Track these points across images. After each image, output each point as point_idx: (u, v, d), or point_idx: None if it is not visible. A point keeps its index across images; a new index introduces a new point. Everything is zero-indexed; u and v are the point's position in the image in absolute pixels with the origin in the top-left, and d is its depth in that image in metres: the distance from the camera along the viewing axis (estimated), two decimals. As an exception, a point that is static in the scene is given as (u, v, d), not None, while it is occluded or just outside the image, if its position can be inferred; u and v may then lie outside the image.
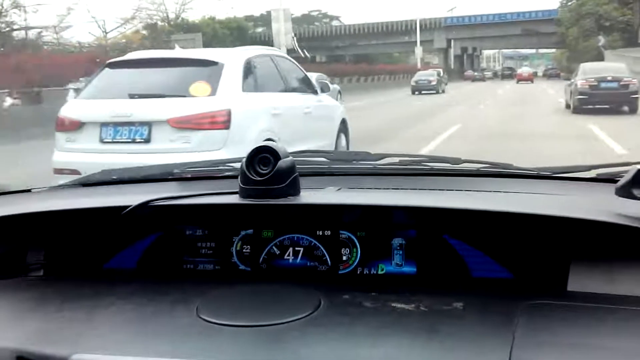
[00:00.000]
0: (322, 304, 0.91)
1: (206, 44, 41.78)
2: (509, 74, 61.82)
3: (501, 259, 1.03)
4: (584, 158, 6.81)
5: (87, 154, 4.48)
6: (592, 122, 11.67)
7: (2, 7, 27.79)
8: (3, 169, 7.02)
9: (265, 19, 65.20)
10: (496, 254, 1.04)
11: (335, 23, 66.24)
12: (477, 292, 0.97)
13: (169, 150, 4.29)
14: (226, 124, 4.42)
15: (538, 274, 1.01)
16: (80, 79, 14.32)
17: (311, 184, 1.18)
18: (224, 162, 1.52)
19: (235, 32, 50.45)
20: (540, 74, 69.67)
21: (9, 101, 13.98)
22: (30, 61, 17.54)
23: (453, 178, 1.36)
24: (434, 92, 29.24)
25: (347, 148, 6.45)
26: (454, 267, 1.05)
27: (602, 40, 41.03)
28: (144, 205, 1.08)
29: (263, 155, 1.05)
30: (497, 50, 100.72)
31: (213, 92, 4.51)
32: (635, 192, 0.97)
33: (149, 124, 4.41)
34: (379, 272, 1.07)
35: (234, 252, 1.12)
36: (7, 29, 28.62)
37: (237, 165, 1.26)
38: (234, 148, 4.29)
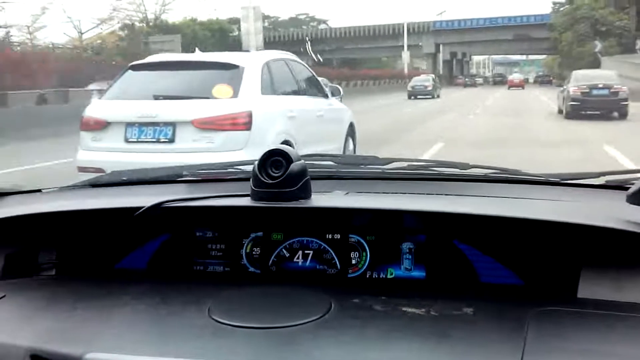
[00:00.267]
0: (333, 306, 0.95)
1: (186, 46, 42.11)
2: (500, 80, 65.21)
3: (511, 265, 1.08)
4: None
5: (112, 153, 4.88)
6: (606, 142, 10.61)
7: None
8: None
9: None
10: (506, 259, 1.08)
11: (322, 27, 67.14)
12: (486, 298, 1.01)
13: (193, 149, 4.71)
14: (247, 125, 4.86)
15: (548, 280, 1.05)
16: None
17: (320, 187, 1.22)
18: (233, 164, 1.59)
19: (217, 34, 50.93)
20: (531, 80, 71.92)
21: None
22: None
23: (461, 183, 1.41)
24: (430, 97, 31.61)
25: (354, 151, 6.95)
26: (463, 272, 1.09)
27: (598, 45, 40.82)
28: (157, 207, 1.14)
29: (275, 159, 1.11)
30: (487, 56, 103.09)
31: (235, 95, 4.95)
32: None
33: (173, 125, 4.84)
34: (388, 276, 1.12)
35: (243, 255, 1.17)
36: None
37: (246, 167, 1.38)
38: (254, 148, 4.73)
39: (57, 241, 1.25)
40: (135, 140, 4.91)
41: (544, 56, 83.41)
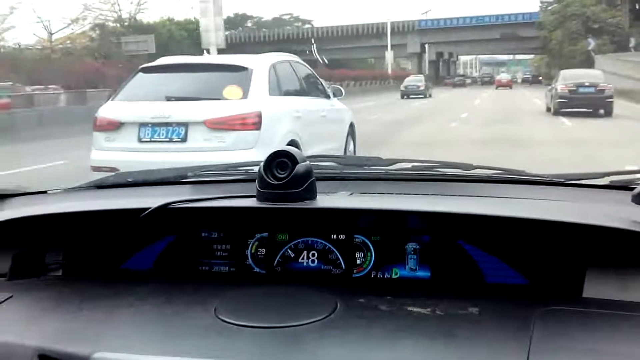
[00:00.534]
0: (339, 306, 1.00)
1: (161, 47, 42.36)
2: (488, 80, 68.38)
3: (516, 265, 1.13)
4: None
5: (125, 153, 5.30)
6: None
7: None
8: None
9: (232, 22, 66.57)
10: (511, 259, 1.13)
11: (305, 26, 67.89)
12: (492, 298, 1.06)
13: (205, 149, 5.16)
14: (257, 125, 5.31)
15: (553, 280, 1.10)
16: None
17: (324, 188, 1.28)
18: (238, 165, 1.68)
19: (194, 34, 51.19)
20: (519, 80, 74.07)
21: None
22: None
23: (465, 184, 1.47)
24: (422, 96, 34.53)
25: (354, 150, 7.47)
26: (468, 273, 1.14)
27: (592, 43, 40.68)
28: (163, 208, 1.19)
29: (281, 160, 1.16)
30: (474, 57, 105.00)
31: (245, 96, 5.41)
32: None
33: (185, 125, 5.28)
34: (393, 277, 1.17)
35: (248, 255, 1.23)
36: None
37: (251, 168, 1.46)
38: (263, 148, 5.18)
39: (64, 242, 1.31)
40: (148, 140, 5.34)
41: (531, 56, 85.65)
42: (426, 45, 66.71)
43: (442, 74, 73.04)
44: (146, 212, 1.19)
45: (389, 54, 55.71)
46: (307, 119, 6.08)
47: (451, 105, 25.82)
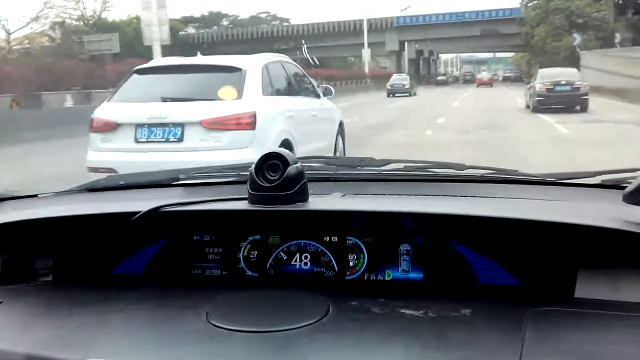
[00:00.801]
0: (331, 309, 1.03)
1: (127, 46, 42.32)
2: (469, 79, 73.30)
3: (508, 266, 1.17)
4: None
5: (122, 153, 5.66)
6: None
7: None
8: None
9: (206, 20, 66.92)
10: (503, 260, 1.17)
11: (284, 25, 68.33)
12: (484, 299, 1.09)
13: (201, 148, 5.54)
14: (252, 125, 5.70)
15: (546, 280, 1.14)
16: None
17: (317, 189, 1.32)
18: (230, 168, 1.73)
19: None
20: (500, 78, 76.98)
21: None
22: None
23: (458, 184, 1.53)
24: (407, 94, 37.66)
25: (344, 149, 7.93)
26: (460, 274, 1.18)
27: (577, 38, 40.48)
28: (154, 211, 1.22)
29: (272, 162, 1.20)
30: (455, 55, 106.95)
31: (239, 96, 5.80)
32: None
33: (182, 125, 5.65)
34: (386, 278, 1.21)
35: (241, 258, 1.27)
36: None
37: (243, 171, 1.51)
38: (258, 146, 5.58)
39: (54, 247, 1.35)
40: (145, 140, 5.70)
41: (511, 54, 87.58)
42: (405, 43, 67.50)
43: (423, 72, 74.36)
44: (136, 215, 1.23)
45: (366, 52, 56.12)
46: (299, 118, 6.50)
47: (434, 104, 26.33)
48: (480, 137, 12.13)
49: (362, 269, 1.23)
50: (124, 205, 1.35)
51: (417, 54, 73.55)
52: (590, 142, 10.95)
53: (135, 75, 6.17)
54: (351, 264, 1.24)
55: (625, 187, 1.17)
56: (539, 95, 18.95)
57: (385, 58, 72.17)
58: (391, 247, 1.23)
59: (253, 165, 1.22)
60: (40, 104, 19.58)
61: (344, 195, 1.37)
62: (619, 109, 19.35)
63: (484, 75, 67.95)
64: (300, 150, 6.01)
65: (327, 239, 1.25)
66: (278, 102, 6.29)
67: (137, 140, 5.71)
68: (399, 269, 1.22)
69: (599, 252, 1.11)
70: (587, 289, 1.09)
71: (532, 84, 20.45)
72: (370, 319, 1.04)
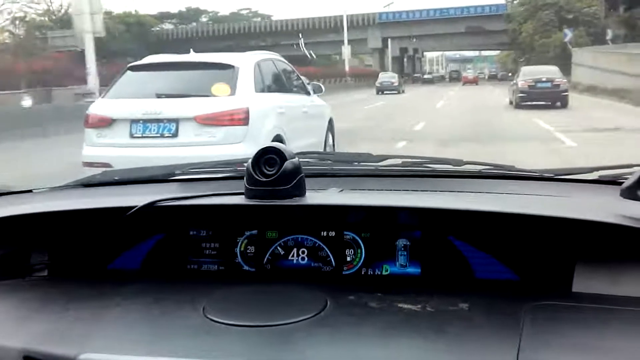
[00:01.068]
0: (329, 304, 1.09)
1: (96, 41, 41.93)
2: (456, 77, 76.45)
3: (506, 261, 1.22)
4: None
5: (117, 148, 6.05)
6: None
7: None
8: None
9: (183, 16, 67.13)
10: (501, 255, 1.23)
11: (256, 20, 68.74)
12: (482, 293, 1.15)
13: (195, 143, 5.96)
14: (245, 121, 6.13)
15: (543, 275, 1.19)
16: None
17: (314, 185, 1.36)
18: (226, 163, 1.79)
19: (133, 28, 51.34)
20: (486, 77, 79.87)
21: None
22: None
23: (456, 179, 1.58)
24: (396, 92, 40.31)
25: (333, 145, 8.44)
26: (458, 269, 1.24)
27: (568, 34, 40.37)
28: (150, 206, 1.26)
29: (269, 156, 1.24)
30: (440, 54, 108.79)
31: (232, 92, 6.23)
32: None
33: (176, 121, 6.06)
34: (383, 273, 1.26)
35: (238, 253, 1.31)
36: None
37: (240, 166, 1.57)
38: (251, 141, 6.01)
39: (49, 242, 1.40)
40: (140, 135, 6.10)
41: (497, 52, 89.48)
42: (389, 40, 68.06)
43: (407, 70, 75.34)
44: (132, 210, 1.28)
45: (346, 49, 56.29)
46: (290, 114, 6.95)
47: (417, 104, 26.31)
48: (463, 151, 9.99)
49: (360, 264, 1.28)
50: (119, 200, 1.41)
51: (401, 51, 74.16)
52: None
53: (129, 72, 6.58)
54: (348, 258, 1.29)
55: (623, 182, 1.23)
56: (521, 92, 20.77)
57: (369, 56, 72.77)
58: (389, 242, 1.28)
59: (250, 160, 1.27)
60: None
61: (341, 190, 1.42)
62: (621, 111, 18.82)
63: (469, 73, 71.56)
64: (292, 146, 6.41)
65: (325, 233, 1.30)
66: (270, 99, 6.74)
67: (132, 136, 6.11)
68: (397, 263, 1.27)
69: (596, 247, 1.16)
70: (584, 283, 1.14)
71: (515, 82, 22.24)
72: (368, 313, 1.09)
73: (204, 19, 70.04)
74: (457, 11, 64.55)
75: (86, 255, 1.39)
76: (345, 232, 1.29)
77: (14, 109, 17.33)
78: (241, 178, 1.30)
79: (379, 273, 1.27)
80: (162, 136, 6.09)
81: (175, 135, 6.07)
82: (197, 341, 1.00)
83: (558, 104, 20.36)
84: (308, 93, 7.98)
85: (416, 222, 1.28)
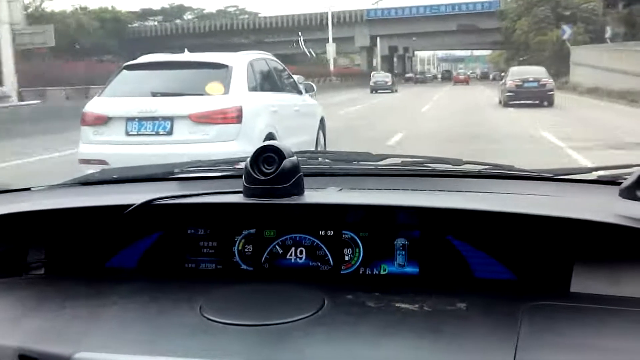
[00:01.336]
0: (326, 303, 1.14)
1: (68, 38, 42.28)
2: (447, 77, 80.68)
3: (505, 260, 1.29)
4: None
5: (113, 146, 6.51)
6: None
7: None
8: None
9: (167, 12, 67.49)
10: (500, 255, 1.30)
11: (242, 17, 69.12)
12: (480, 293, 1.21)
13: (190, 141, 6.43)
14: (238, 119, 6.61)
15: (541, 275, 1.26)
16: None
17: (313, 184, 1.43)
18: (224, 161, 1.85)
19: (109, 24, 51.56)
20: (478, 76, 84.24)
21: None
22: None
23: (455, 179, 1.65)
24: (389, 91, 43.57)
25: (325, 144, 8.99)
26: (456, 268, 1.30)
27: (567, 31, 39.90)
28: (147, 204, 1.33)
29: (268, 155, 1.31)
30: (432, 53, 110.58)
31: (226, 91, 6.71)
32: (639, 193, 1.21)
33: (171, 119, 6.52)
34: (382, 273, 1.33)
35: (235, 252, 1.38)
36: None
37: (238, 165, 1.65)
38: (244, 139, 6.50)
39: (46, 240, 1.46)
40: (135, 133, 6.57)
41: (489, 52, 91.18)
42: (378, 39, 68.47)
43: (398, 70, 76.06)
44: (130, 208, 1.33)
45: (331, 47, 56.57)
46: (283, 113, 7.46)
47: (400, 109, 25.90)
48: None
49: (358, 263, 1.34)
50: (117, 198, 1.46)
51: (390, 50, 74.73)
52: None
53: (124, 71, 7.07)
54: (347, 258, 1.34)
55: (621, 182, 1.28)
56: (509, 91, 23.04)
57: (357, 54, 73.11)
58: (387, 241, 1.34)
59: (249, 159, 1.32)
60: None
61: (340, 190, 1.48)
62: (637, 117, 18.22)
63: (460, 73, 76.43)
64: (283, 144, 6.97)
65: (323, 233, 1.36)
66: (263, 98, 7.23)
67: (127, 133, 6.57)
68: (395, 263, 1.33)
69: (594, 247, 1.21)
70: (582, 283, 1.19)
71: (503, 81, 24.74)
72: (366, 312, 1.14)
73: (189, 16, 70.63)
74: (448, 8, 65.09)
75: (83, 253, 1.45)
76: (344, 232, 1.35)
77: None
78: (240, 177, 1.36)
79: (377, 272, 1.33)
80: (157, 134, 6.56)
81: (170, 133, 6.53)
82: (194, 340, 1.04)
83: (545, 103, 22.58)
84: (300, 92, 8.52)
85: (415, 221, 1.34)
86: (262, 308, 1.17)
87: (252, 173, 1.31)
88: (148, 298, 1.24)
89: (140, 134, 6.59)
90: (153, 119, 6.57)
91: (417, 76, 79.91)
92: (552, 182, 1.62)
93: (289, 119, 7.65)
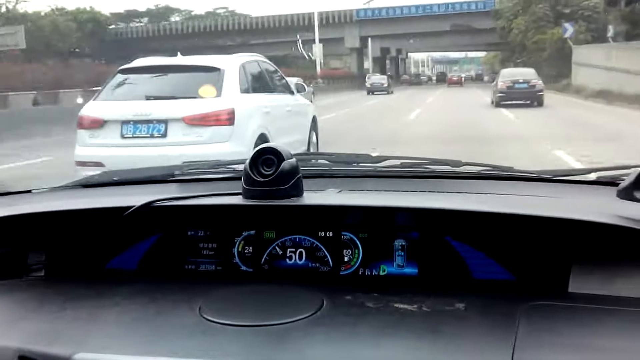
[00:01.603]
0: (325, 304, 1.19)
1: (41, 40, 42.22)
2: (442, 78, 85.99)
3: (503, 261, 1.35)
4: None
5: (109, 148, 7.05)
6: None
7: None
8: None
9: (152, 14, 67.96)
10: (498, 256, 1.36)
11: (232, 17, 69.54)
12: (478, 294, 1.27)
13: (184, 142, 6.97)
14: (231, 121, 7.16)
15: (539, 275, 1.32)
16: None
17: (312, 185, 1.51)
18: (224, 163, 1.95)
19: (87, 26, 51.77)
20: (473, 78, 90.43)
21: None
22: None
23: (454, 180, 1.74)
24: (385, 92, 46.95)
25: (317, 143, 9.68)
26: (455, 269, 1.37)
27: (569, 29, 39.16)
28: (147, 206, 1.41)
29: (267, 157, 1.37)
30: (427, 55, 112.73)
31: (218, 94, 7.27)
32: (637, 194, 1.28)
33: (165, 122, 7.07)
34: (381, 273, 1.40)
35: (235, 253, 1.46)
36: None
37: (238, 166, 1.73)
38: (237, 141, 7.06)
39: (47, 242, 1.53)
40: (130, 136, 7.11)
41: (484, 54, 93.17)
42: (369, 40, 68.72)
43: (390, 72, 76.67)
44: (129, 210, 1.39)
45: (317, 48, 56.56)
46: (275, 114, 8.05)
47: (385, 115, 24.94)
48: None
49: (357, 264, 1.41)
50: (117, 200, 1.53)
51: (382, 52, 75.07)
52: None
53: (119, 74, 7.65)
54: (346, 259, 1.41)
55: (619, 183, 1.34)
56: (500, 92, 25.20)
57: (348, 56, 73.13)
58: (386, 242, 1.40)
59: (248, 160, 1.38)
60: None
61: (340, 191, 1.55)
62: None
63: (454, 75, 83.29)
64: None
65: (322, 234, 1.42)
66: (255, 99, 7.81)
67: (123, 136, 7.12)
68: (394, 264, 1.39)
69: (592, 247, 1.26)
70: (580, 283, 1.24)
71: (495, 82, 27.03)
72: (364, 313, 1.18)
73: (176, 18, 71.25)
74: (441, 8, 65.33)
75: (84, 255, 1.52)
76: (343, 233, 1.42)
77: None
78: (239, 179, 1.43)
79: (377, 273, 1.40)
80: (151, 136, 7.10)
81: (164, 135, 7.08)
82: (193, 341, 1.09)
83: (535, 103, 24.60)
84: (292, 92, 9.19)
85: (414, 222, 1.41)
86: (261, 309, 1.23)
87: (252, 175, 1.38)
88: (148, 299, 1.30)
89: (135, 137, 7.13)
90: (148, 121, 7.11)
91: (412, 78, 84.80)
92: (550, 183, 1.70)
93: (281, 119, 8.25)
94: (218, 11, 73.70)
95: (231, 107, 7.22)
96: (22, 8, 48.32)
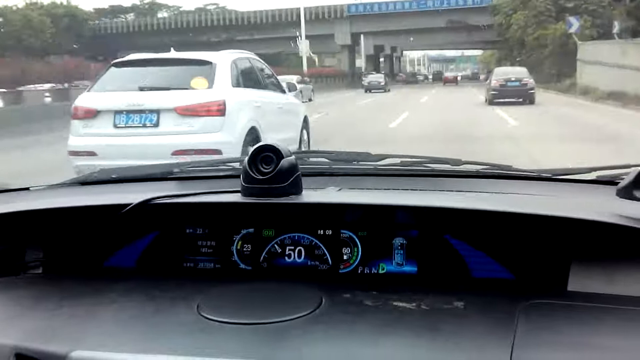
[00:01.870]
0: (324, 302, 1.24)
1: (11, 35, 41.89)
2: (438, 77, 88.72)
3: (502, 260, 1.41)
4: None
5: (102, 137, 7.60)
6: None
7: None
8: None
9: (138, 9, 68.29)
10: (497, 254, 1.41)
11: (211, 14, 70.01)
12: (477, 292, 1.31)
13: (175, 132, 7.54)
14: (222, 112, 7.73)
15: (539, 274, 1.37)
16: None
17: (312, 183, 1.58)
18: (224, 161, 2.06)
19: (62, 21, 51.78)
20: (469, 76, 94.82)
21: None
22: None
23: (453, 179, 1.83)
24: (382, 90, 50.61)
25: (308, 142, 10.29)
26: (454, 267, 1.42)
27: (574, 24, 37.59)
28: (145, 203, 1.46)
29: (266, 154, 1.43)
30: (423, 54, 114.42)
31: (210, 86, 7.84)
32: (637, 193, 1.32)
33: (157, 112, 7.62)
34: (380, 272, 1.45)
35: (234, 251, 1.52)
36: None
37: (237, 164, 1.83)
38: (228, 131, 7.64)
39: (44, 239, 1.61)
40: (123, 125, 7.67)
41: (480, 52, 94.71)
42: (361, 37, 69.13)
43: (385, 71, 77.02)
44: (127, 207, 1.46)
45: (304, 44, 55.77)
46: (266, 109, 8.64)
47: (368, 119, 23.73)
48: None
49: (356, 263, 1.46)
50: (115, 198, 1.57)
51: (376, 49, 75.64)
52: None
53: (112, 68, 8.25)
54: (345, 257, 1.47)
55: (619, 182, 1.41)
56: (493, 90, 27.23)
57: (339, 53, 72.46)
58: (385, 240, 1.46)
59: (246, 158, 1.44)
60: None
61: (339, 189, 1.60)
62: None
63: (450, 74, 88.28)
64: (267, 139, 8.08)
65: (321, 232, 1.48)
66: (246, 93, 8.40)
67: (116, 126, 7.68)
68: (393, 262, 1.45)
69: (592, 246, 1.33)
70: (579, 282, 1.31)
71: (489, 81, 29.22)
72: (363, 311, 1.24)
73: (164, 14, 71.82)
74: (437, 3, 65.44)
75: (81, 252, 1.58)
76: (342, 231, 1.48)
77: None
78: (238, 176, 1.49)
79: (376, 272, 1.46)
80: (144, 126, 7.66)
81: (156, 125, 7.64)
82: (191, 339, 1.13)
83: (527, 101, 26.47)
84: (283, 91, 9.83)
85: (413, 221, 1.46)
86: (260, 307, 1.28)
87: (250, 172, 1.44)
88: (146, 297, 1.35)
89: (127, 126, 7.70)
90: (140, 111, 7.67)
91: (408, 77, 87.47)
92: (550, 182, 1.78)
93: (272, 115, 8.85)
94: (208, 7, 74.31)
95: (222, 99, 7.78)
96: (-1, 3, 48.30)
